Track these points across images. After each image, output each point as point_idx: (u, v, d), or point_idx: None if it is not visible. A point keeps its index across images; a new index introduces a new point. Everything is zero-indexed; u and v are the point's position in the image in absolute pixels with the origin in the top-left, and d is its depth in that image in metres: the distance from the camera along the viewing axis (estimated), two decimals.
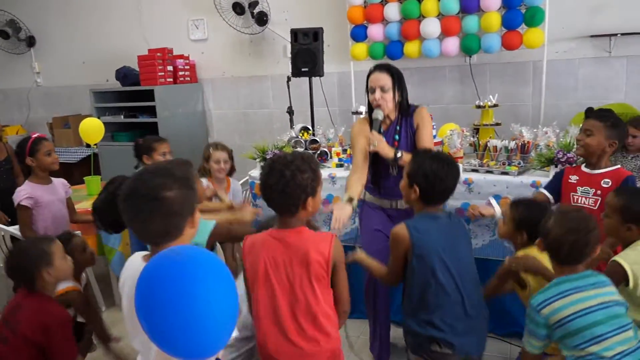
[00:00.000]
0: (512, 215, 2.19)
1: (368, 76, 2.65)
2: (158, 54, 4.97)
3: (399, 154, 2.54)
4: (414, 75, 4.65)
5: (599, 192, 2.34)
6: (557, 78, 4.15)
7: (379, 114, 2.59)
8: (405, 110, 2.66)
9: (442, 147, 3.25)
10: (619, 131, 2.39)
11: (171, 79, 5.09)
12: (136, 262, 1.41)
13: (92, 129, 3.79)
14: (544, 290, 1.77)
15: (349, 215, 2.33)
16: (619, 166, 2.44)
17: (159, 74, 4.94)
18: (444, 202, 2.11)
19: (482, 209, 2.66)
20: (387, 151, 2.55)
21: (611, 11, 3.92)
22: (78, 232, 2.74)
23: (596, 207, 2.33)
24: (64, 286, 2.30)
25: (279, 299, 1.73)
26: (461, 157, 3.14)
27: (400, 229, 2.00)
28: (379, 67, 2.63)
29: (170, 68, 5.06)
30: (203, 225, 1.93)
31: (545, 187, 2.62)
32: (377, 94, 2.56)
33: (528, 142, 3.05)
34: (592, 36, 4.00)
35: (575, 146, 2.84)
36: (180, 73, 5.17)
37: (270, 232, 1.79)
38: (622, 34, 3.87)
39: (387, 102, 2.58)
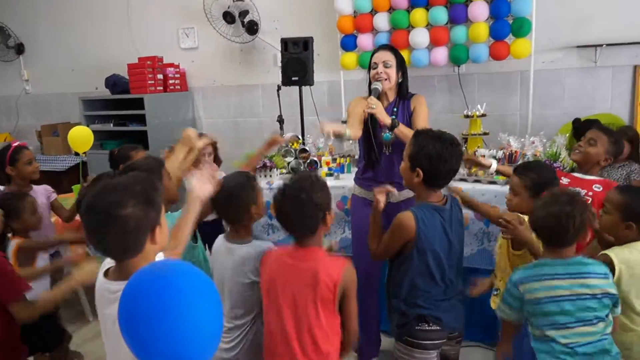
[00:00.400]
0: (523, 183, 2.19)
1: (371, 56, 2.72)
2: (148, 62, 4.97)
3: (395, 122, 2.57)
4: None
5: (590, 193, 2.37)
6: (544, 88, 4.20)
7: (377, 84, 2.64)
8: (404, 94, 2.72)
9: None
10: (617, 149, 2.48)
11: (161, 87, 5.08)
12: (100, 280, 1.42)
13: (81, 137, 3.77)
14: (526, 268, 1.86)
15: (340, 129, 2.50)
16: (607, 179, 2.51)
17: (149, 82, 4.94)
18: (447, 184, 2.07)
19: (481, 159, 2.78)
20: (384, 115, 2.56)
21: (596, 22, 3.99)
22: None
23: None
24: None
25: (285, 316, 1.76)
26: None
27: (408, 217, 1.95)
28: (383, 47, 2.77)
29: (160, 76, 5.06)
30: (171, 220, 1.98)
31: None
32: (380, 67, 2.63)
33: (515, 151, 3.09)
34: (578, 47, 4.06)
35: (561, 156, 2.89)
36: (171, 81, 5.17)
37: (286, 249, 1.84)
38: (607, 45, 3.94)
39: (390, 77, 2.64)
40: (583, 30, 4.04)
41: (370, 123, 2.64)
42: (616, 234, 2.00)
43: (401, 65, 2.69)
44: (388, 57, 2.65)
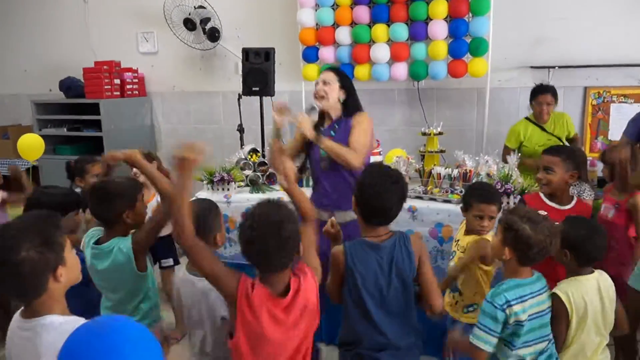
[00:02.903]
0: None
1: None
2: (105, 67, 4.84)
3: (317, 137, 2.61)
4: (364, 96, 4.57)
5: None
6: (499, 105, 4.32)
7: (314, 103, 2.71)
8: (349, 112, 2.74)
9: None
10: (576, 161, 2.48)
11: (118, 93, 4.96)
12: (15, 316, 1.41)
13: (31, 145, 3.62)
14: (503, 291, 1.78)
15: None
16: (576, 198, 2.54)
17: (105, 87, 4.82)
18: (384, 223, 1.93)
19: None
20: (308, 128, 2.62)
21: (549, 45, 4.14)
22: None
23: None
24: None
25: None
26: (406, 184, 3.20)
27: (339, 251, 1.91)
28: (327, 68, 2.86)
29: (117, 81, 4.94)
30: (122, 242, 1.95)
31: None
32: (320, 85, 2.69)
33: (470, 170, 3.15)
34: (532, 67, 4.20)
35: (513, 177, 2.96)
36: (128, 87, 5.05)
37: (267, 294, 1.60)
38: (560, 67, 4.09)
39: (327, 94, 2.68)
40: (537, 52, 4.19)
41: (308, 141, 2.70)
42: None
43: (343, 83, 2.73)
44: (329, 77, 2.70)
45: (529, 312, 1.78)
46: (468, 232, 2.38)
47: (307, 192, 3.12)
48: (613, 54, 4.00)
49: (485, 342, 1.78)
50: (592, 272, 1.98)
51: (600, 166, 3.72)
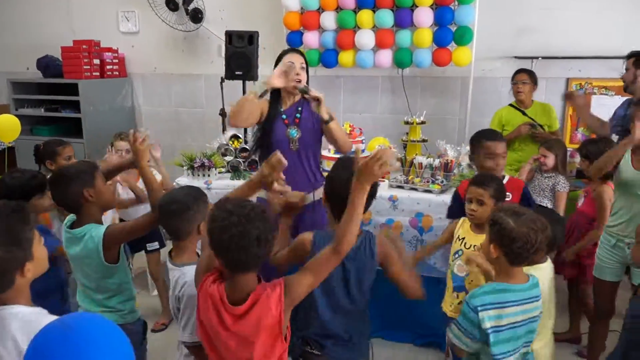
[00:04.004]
0: (489, 193, 2.19)
1: (282, 56, 2.73)
2: (84, 47, 4.73)
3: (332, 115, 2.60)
4: (348, 82, 4.71)
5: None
6: (482, 95, 4.33)
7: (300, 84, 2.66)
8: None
9: None
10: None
11: (97, 73, 4.86)
12: None
13: (6, 126, 3.53)
14: (486, 293, 1.74)
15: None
16: (508, 177, 2.56)
17: (85, 67, 4.71)
18: None
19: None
20: (325, 105, 2.56)
21: (533, 36, 4.15)
22: None
23: None
24: None
25: None
26: (388, 173, 3.20)
27: (307, 237, 1.87)
28: (294, 50, 2.83)
29: (97, 61, 4.83)
30: (95, 230, 1.90)
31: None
32: (297, 70, 2.64)
33: (451, 160, 3.16)
34: (515, 57, 4.21)
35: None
36: (108, 67, 4.95)
37: (222, 294, 1.52)
38: (543, 58, 4.10)
39: (302, 80, 2.68)
40: (521, 42, 4.20)
41: (270, 119, 2.68)
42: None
43: (307, 68, 2.77)
44: (302, 60, 2.70)
45: (512, 320, 1.72)
46: (477, 227, 2.25)
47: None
48: (595, 46, 4.02)
49: (460, 340, 1.76)
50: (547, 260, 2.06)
51: (578, 157, 3.78)
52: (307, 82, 2.72)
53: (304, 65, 2.71)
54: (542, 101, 3.87)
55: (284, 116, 2.71)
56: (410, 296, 1.93)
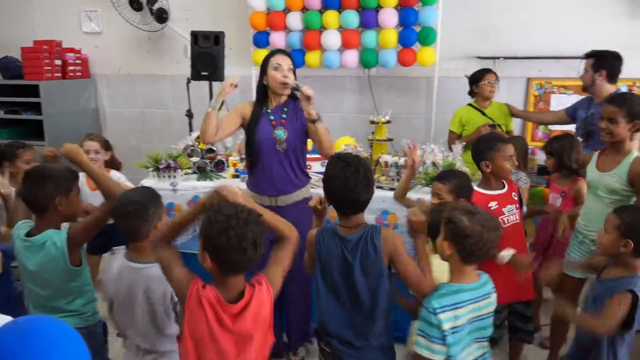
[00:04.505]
0: (447, 188, 2.28)
1: (270, 58, 2.68)
2: (45, 47, 4.62)
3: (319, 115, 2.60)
4: (315, 82, 4.65)
5: (518, 206, 2.51)
6: (447, 94, 4.40)
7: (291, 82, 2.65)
8: (295, 96, 2.72)
9: None
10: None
11: (59, 74, 4.75)
12: None
13: None
14: (439, 297, 1.75)
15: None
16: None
17: (46, 68, 4.60)
18: (357, 212, 1.91)
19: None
20: (314, 105, 2.57)
21: (495, 37, 4.26)
22: None
23: (519, 221, 2.50)
24: None
25: None
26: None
27: (312, 233, 1.97)
28: (282, 51, 2.76)
29: (58, 62, 4.73)
30: (57, 235, 1.89)
31: None
32: (284, 72, 2.62)
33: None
34: (478, 57, 4.30)
35: (457, 165, 3.05)
36: (71, 68, 4.85)
37: (216, 295, 1.55)
38: (505, 58, 4.21)
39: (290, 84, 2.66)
40: (483, 43, 4.29)
41: (255, 120, 2.67)
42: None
43: (294, 68, 2.74)
44: (289, 63, 2.67)
45: (468, 317, 1.75)
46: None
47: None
48: (554, 46, 4.15)
49: (430, 350, 1.72)
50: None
51: (540, 154, 3.88)
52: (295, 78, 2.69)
53: (292, 67, 2.67)
54: (502, 100, 3.96)
55: (271, 117, 2.68)
56: (420, 296, 1.88)
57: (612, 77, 3.20)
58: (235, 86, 2.61)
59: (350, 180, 1.84)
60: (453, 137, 3.75)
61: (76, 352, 0.95)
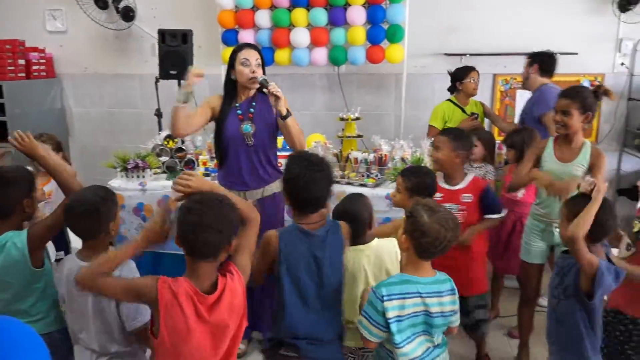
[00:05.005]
0: (405, 185, 2.32)
1: (237, 52, 2.64)
2: (7, 46, 4.51)
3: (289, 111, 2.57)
4: (285, 80, 4.70)
5: (462, 207, 2.54)
6: (415, 90, 4.47)
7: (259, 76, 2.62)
8: (261, 89, 2.68)
9: None
10: (463, 142, 2.61)
11: (23, 74, 4.65)
12: None
13: None
14: (388, 284, 1.77)
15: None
16: (472, 176, 2.64)
17: (9, 67, 4.49)
18: (315, 211, 1.92)
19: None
20: (284, 101, 2.54)
21: (461, 34, 4.33)
22: None
23: (463, 221, 2.48)
24: None
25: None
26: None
27: (272, 235, 1.91)
28: (250, 45, 2.74)
29: (22, 61, 4.62)
30: (17, 237, 1.85)
31: None
32: (253, 67, 2.60)
33: (385, 155, 3.25)
34: (445, 54, 4.37)
35: (424, 161, 3.10)
36: (35, 67, 4.75)
37: (191, 287, 1.55)
38: (470, 54, 4.28)
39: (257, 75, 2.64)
40: (450, 40, 4.37)
41: (223, 114, 2.65)
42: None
43: (263, 64, 2.73)
44: (257, 56, 2.65)
45: (412, 310, 1.75)
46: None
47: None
48: (518, 43, 4.23)
49: (368, 331, 1.76)
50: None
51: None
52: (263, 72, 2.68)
53: (260, 62, 2.64)
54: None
55: (238, 111, 2.67)
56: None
57: (545, 71, 3.39)
58: (201, 76, 2.56)
59: (315, 179, 1.86)
60: (434, 132, 3.76)
61: (37, 351, 0.94)
